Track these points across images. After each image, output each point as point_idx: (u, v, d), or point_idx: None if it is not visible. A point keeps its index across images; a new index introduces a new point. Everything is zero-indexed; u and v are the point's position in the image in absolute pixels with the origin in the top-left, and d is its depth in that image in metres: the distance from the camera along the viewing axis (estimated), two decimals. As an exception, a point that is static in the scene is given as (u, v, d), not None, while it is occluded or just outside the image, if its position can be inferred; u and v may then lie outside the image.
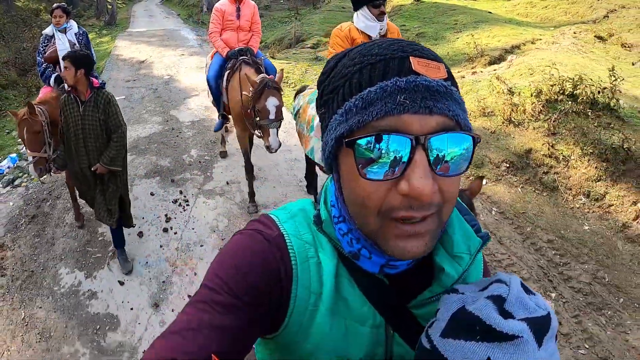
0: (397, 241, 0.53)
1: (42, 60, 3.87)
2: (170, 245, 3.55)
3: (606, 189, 3.93)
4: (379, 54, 0.54)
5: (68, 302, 3.02)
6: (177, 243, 3.57)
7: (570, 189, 4.00)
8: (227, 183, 4.37)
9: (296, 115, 3.56)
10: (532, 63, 5.57)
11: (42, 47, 3.93)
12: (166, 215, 3.89)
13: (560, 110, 4.29)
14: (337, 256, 0.64)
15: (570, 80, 4.44)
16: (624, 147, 3.89)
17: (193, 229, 3.73)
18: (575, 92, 4.35)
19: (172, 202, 4.09)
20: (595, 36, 7.52)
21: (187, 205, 4.05)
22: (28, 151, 3.24)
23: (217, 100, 4.22)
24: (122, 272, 3.24)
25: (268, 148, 3.31)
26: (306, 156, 3.68)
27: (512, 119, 4.55)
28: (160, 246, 3.52)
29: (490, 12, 10.12)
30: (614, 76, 4.24)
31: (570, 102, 4.29)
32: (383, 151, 0.50)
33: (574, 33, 7.67)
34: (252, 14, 4.32)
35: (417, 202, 0.50)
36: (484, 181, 4.14)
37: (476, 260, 0.71)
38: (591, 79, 4.42)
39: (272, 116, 3.22)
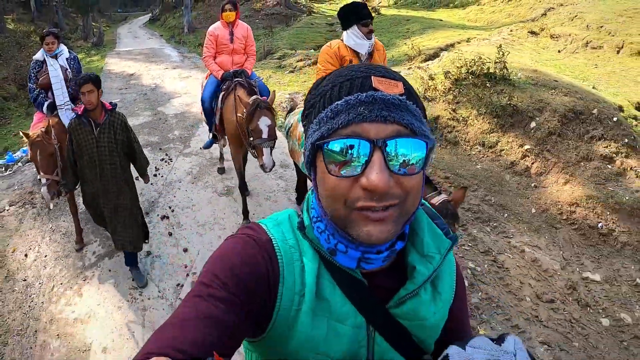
0: (363, 226, 0.62)
1: (34, 86, 3.91)
2: (158, 183, 4.92)
3: (498, 138, 5.23)
4: (348, 75, 0.66)
5: (85, 215, 4.09)
6: (162, 180, 4.97)
7: (468, 142, 5.31)
8: (201, 148, 5.61)
9: (287, 133, 3.82)
10: (457, 56, 7.00)
11: (33, 73, 3.96)
12: (155, 167, 5.22)
13: (463, 84, 5.66)
14: (319, 259, 0.72)
15: (472, 61, 5.82)
16: (511, 104, 5.22)
17: (175, 173, 5.12)
18: (473, 69, 5.71)
19: (160, 160, 5.45)
20: (528, 31, 9.01)
21: (170, 161, 5.44)
22: (41, 173, 3.31)
23: (209, 120, 4.38)
24: (138, 286, 3.41)
25: (262, 167, 3.45)
26: (298, 170, 4.06)
27: (427, 95, 5.84)
28: (151, 184, 4.75)
29: (441, 20, 11.62)
30: (501, 52, 5.61)
31: (471, 77, 5.67)
32: (346, 153, 0.60)
33: (510, 31, 9.17)
34: (246, 36, 4.46)
35: (375, 194, 0.59)
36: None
37: (448, 261, 0.80)
38: (489, 58, 5.78)
39: (264, 135, 3.37)
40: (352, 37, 3.07)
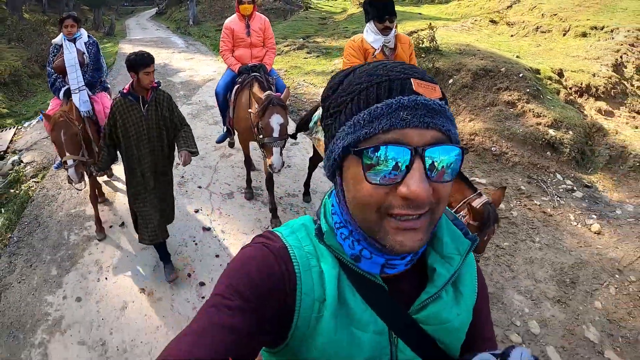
0: (395, 235, 0.62)
1: (52, 70, 3.95)
2: None
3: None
4: (384, 74, 0.64)
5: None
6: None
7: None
8: (203, 107, 7.23)
9: (315, 123, 3.70)
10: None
11: (51, 57, 4.01)
12: None
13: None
14: (338, 264, 0.73)
15: (412, 38, 7.42)
16: (434, 66, 6.77)
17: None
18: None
19: None
20: (489, 20, 10.59)
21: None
22: (67, 154, 3.28)
23: (223, 113, 4.41)
24: (167, 281, 3.37)
25: (271, 167, 3.37)
26: (312, 164, 4.19)
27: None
28: None
29: (420, 13, 13.19)
30: (432, 28, 7.29)
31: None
32: (386, 159, 0.59)
33: (475, 20, 10.79)
34: (264, 28, 4.38)
35: (414, 203, 0.60)
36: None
37: (468, 263, 0.81)
38: (424, 35, 7.44)
39: (275, 134, 3.28)
40: (369, 32, 3.14)
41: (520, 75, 6.25)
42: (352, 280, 0.72)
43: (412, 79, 0.63)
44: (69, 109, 3.48)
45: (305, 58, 10.35)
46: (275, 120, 3.28)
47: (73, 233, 4.04)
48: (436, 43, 7.21)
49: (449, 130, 0.63)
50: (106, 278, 3.48)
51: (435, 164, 0.61)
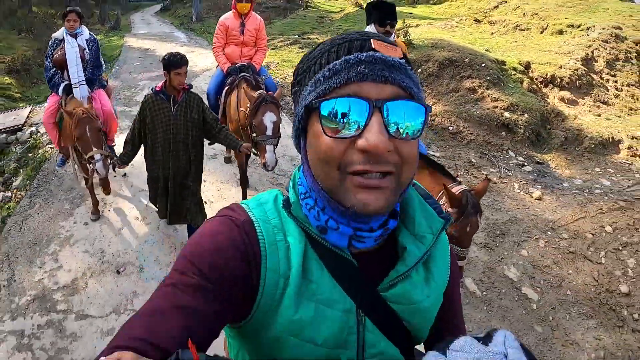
0: (358, 194, 0.61)
1: (51, 65, 4.00)
2: None
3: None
4: (346, 37, 0.68)
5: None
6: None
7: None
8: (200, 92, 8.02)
9: None
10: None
11: (50, 51, 4.04)
12: None
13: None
14: (306, 238, 0.71)
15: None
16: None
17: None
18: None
19: None
20: (473, 19, 11.37)
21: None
22: (94, 149, 3.39)
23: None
24: None
25: (264, 165, 3.41)
26: None
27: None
28: None
29: (411, 13, 13.93)
30: (406, 25, 8.08)
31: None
32: (344, 113, 0.61)
33: (460, 19, 11.60)
34: (258, 29, 4.46)
35: (373, 157, 0.60)
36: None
37: (441, 242, 0.81)
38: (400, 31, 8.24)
39: (269, 132, 3.32)
40: None
41: (483, 65, 7.04)
42: (320, 254, 0.71)
43: (371, 39, 0.65)
44: (90, 106, 3.65)
45: (297, 53, 11.12)
46: (269, 118, 3.33)
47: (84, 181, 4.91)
48: (409, 37, 8.01)
49: (411, 88, 0.64)
50: (109, 210, 4.40)
51: (396, 119, 0.61)
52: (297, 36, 13.05)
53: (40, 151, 5.72)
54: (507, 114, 6.32)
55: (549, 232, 4.68)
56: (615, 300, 4.03)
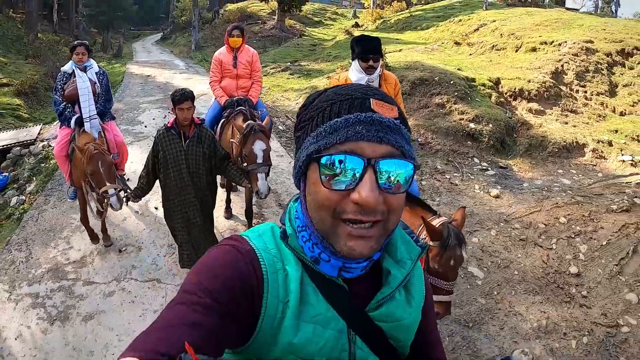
0: (347, 240, 0.71)
1: (60, 99, 4.03)
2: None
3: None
4: (347, 94, 0.75)
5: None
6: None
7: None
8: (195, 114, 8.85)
9: None
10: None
11: (60, 84, 4.07)
12: (164, 116, 8.43)
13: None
14: (302, 266, 0.80)
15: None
16: None
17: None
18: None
19: (168, 112, 8.52)
20: (454, 42, 12.33)
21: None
22: (107, 184, 3.49)
23: None
24: None
25: (257, 193, 3.49)
26: None
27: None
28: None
29: (398, 39, 14.91)
30: (385, 51, 8.84)
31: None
32: (341, 168, 0.68)
33: (442, 43, 12.57)
34: (251, 61, 4.63)
35: (365, 209, 0.68)
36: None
37: (417, 269, 0.92)
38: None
39: (259, 160, 3.42)
40: (354, 70, 3.22)
41: (452, 82, 7.84)
42: (315, 280, 0.80)
43: (371, 99, 0.74)
44: (101, 141, 3.76)
45: (287, 78, 12.03)
46: (258, 147, 3.43)
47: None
48: (386, 61, 8.85)
49: (402, 147, 0.72)
50: (116, 206, 5.16)
51: (387, 175, 0.69)
52: (288, 63, 14.01)
53: (52, 162, 6.44)
54: (472, 125, 7.07)
55: (501, 224, 5.21)
56: (564, 279, 4.49)
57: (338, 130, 0.71)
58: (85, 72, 4.12)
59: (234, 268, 0.75)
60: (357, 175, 0.68)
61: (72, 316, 3.51)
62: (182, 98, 3.26)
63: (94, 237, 4.35)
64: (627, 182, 6.50)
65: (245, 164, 3.51)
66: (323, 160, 0.70)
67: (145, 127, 8.13)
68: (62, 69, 4.24)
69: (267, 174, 3.60)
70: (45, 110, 11.28)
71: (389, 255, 0.86)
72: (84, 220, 4.26)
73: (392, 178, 0.70)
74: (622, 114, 8.78)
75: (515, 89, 8.45)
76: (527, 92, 8.43)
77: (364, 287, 0.84)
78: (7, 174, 6.74)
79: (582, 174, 6.82)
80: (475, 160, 6.72)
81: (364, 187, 0.68)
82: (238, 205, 5.13)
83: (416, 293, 0.90)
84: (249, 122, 3.64)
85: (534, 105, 8.28)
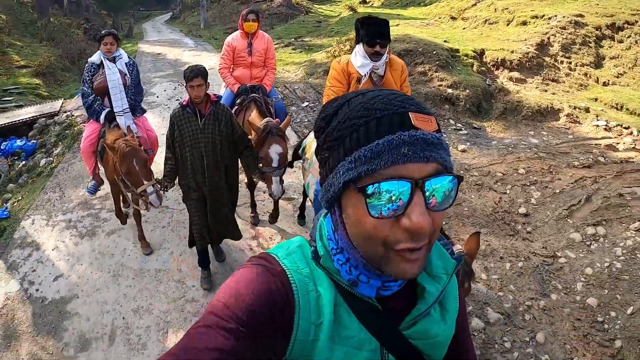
0: (400, 265, 0.69)
1: (89, 91, 3.96)
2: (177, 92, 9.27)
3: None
4: (382, 109, 0.70)
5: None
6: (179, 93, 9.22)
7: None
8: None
9: (303, 149, 3.79)
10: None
11: (88, 76, 3.98)
12: (174, 87, 9.51)
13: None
14: (335, 288, 0.79)
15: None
16: None
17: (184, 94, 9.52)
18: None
19: (177, 85, 9.76)
20: (450, 17, 13.12)
21: (181, 85, 9.78)
22: (145, 182, 3.40)
23: None
24: (202, 287, 3.85)
25: (271, 195, 3.56)
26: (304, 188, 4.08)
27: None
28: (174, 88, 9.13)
29: (399, 15, 15.71)
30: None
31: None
32: (388, 193, 0.65)
33: (438, 18, 13.38)
34: (266, 48, 4.54)
35: (417, 235, 0.66)
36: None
37: (452, 280, 0.90)
38: None
39: (275, 164, 3.40)
40: (358, 56, 3.07)
41: (434, 52, 8.72)
42: (348, 302, 0.79)
43: (410, 113, 0.69)
44: (131, 136, 3.64)
45: (290, 53, 12.93)
46: (274, 150, 3.38)
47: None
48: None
49: (446, 161, 0.70)
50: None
51: (434, 194, 0.67)
52: (292, 39, 14.93)
53: (76, 128, 7.68)
54: (450, 90, 7.98)
55: (461, 171, 5.86)
56: (512, 218, 5.12)
57: (381, 154, 0.67)
58: (115, 62, 4.05)
59: (264, 292, 0.74)
60: (405, 199, 0.66)
61: (98, 232, 4.67)
62: (192, 75, 3.22)
63: (146, 245, 4.37)
64: (596, 144, 7.22)
65: (260, 165, 3.50)
66: (369, 189, 0.66)
67: (157, 97, 9.30)
68: (89, 59, 4.13)
69: (282, 176, 3.57)
70: (62, 89, 12.41)
71: (424, 270, 0.85)
72: (119, 213, 4.45)
73: (439, 195, 0.68)
74: (605, 84, 9.49)
75: (497, 59, 9.30)
76: (509, 62, 9.28)
77: (399, 303, 0.83)
78: (34, 141, 7.92)
79: (553, 136, 7.54)
80: (451, 121, 7.64)
81: (414, 212, 0.65)
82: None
83: (450, 307, 0.89)
84: (267, 120, 3.59)
85: (515, 74, 9.12)
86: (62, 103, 9.28)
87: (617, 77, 9.78)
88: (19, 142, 7.79)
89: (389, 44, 3.04)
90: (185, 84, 3.32)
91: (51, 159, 6.93)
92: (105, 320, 3.58)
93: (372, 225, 0.68)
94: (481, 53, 9.53)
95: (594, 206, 5.29)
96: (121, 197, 4.32)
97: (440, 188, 0.68)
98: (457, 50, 9.27)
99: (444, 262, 0.87)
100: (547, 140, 7.38)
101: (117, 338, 3.43)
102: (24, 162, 7.20)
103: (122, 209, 4.53)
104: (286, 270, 0.79)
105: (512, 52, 9.52)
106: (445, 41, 9.82)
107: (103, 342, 3.41)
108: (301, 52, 12.98)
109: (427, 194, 0.67)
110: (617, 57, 10.27)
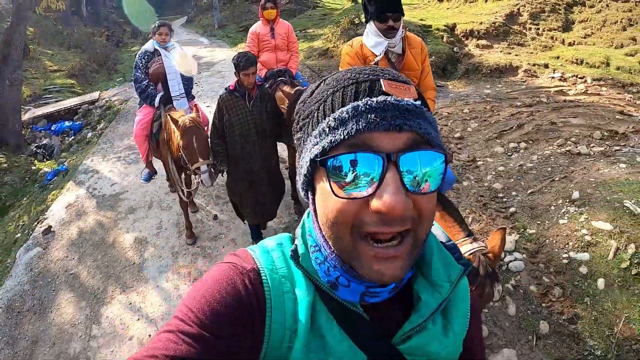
0: (373, 263, 0.62)
1: (143, 76, 4.40)
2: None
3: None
4: (352, 77, 0.67)
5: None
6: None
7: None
8: (216, 71, 12.34)
9: None
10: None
11: (142, 62, 4.42)
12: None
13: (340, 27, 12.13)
14: (314, 291, 0.74)
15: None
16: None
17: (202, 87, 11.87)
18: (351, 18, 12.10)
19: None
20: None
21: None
22: (200, 160, 3.61)
23: None
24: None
25: None
26: None
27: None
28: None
29: None
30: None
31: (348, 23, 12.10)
32: (355, 169, 0.60)
33: (427, 1, 15.52)
34: (287, 33, 5.03)
35: (390, 218, 0.59)
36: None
37: (460, 289, 0.82)
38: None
39: None
40: (370, 35, 2.90)
41: (407, 28, 10.84)
42: (330, 308, 0.74)
43: (381, 80, 0.66)
44: (197, 114, 3.78)
45: (294, 44, 15.37)
46: None
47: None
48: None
49: (429, 133, 0.63)
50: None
51: (414, 171, 0.60)
52: (297, 32, 17.14)
53: (115, 108, 10.23)
54: (417, 56, 10.11)
55: None
56: (447, 140, 6.33)
57: (345, 123, 0.63)
58: (169, 52, 4.51)
59: (228, 291, 0.71)
60: (376, 176, 0.60)
61: (139, 161, 6.87)
62: (247, 64, 3.55)
63: (190, 234, 4.78)
64: (546, 91, 8.51)
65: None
66: (329, 163, 0.62)
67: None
68: (143, 47, 4.58)
69: None
70: (93, 87, 14.94)
71: (422, 276, 0.78)
72: (183, 203, 4.63)
73: (421, 175, 0.62)
74: (570, 44, 11.21)
75: (467, 30, 11.36)
76: (477, 32, 11.32)
77: (391, 313, 0.78)
78: (80, 121, 10.47)
79: (507, 87, 8.99)
80: (414, 83, 9.69)
81: (386, 191, 0.59)
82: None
83: (457, 321, 0.80)
84: (297, 87, 3.98)
85: (483, 42, 11.14)
86: (100, 93, 11.85)
87: (585, 37, 11.48)
88: (67, 123, 10.30)
89: (403, 17, 2.85)
90: (237, 72, 3.65)
91: (96, 132, 9.29)
92: (146, 199, 5.84)
93: (337, 207, 0.63)
94: (453, 27, 11.59)
95: (525, 131, 6.51)
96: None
97: (422, 165, 0.62)
98: (430, 26, 11.35)
99: (447, 269, 0.79)
100: (499, 90, 8.87)
101: (154, 205, 5.70)
102: (73, 137, 9.61)
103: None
104: (260, 269, 0.76)
105: (481, 23, 11.54)
106: (421, 19, 11.92)
107: (144, 208, 5.65)
108: (304, 41, 15.21)
109: (404, 171, 0.61)
110: (587, 20, 11.99)
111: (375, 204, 0.60)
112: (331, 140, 0.64)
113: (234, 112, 3.68)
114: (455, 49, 10.70)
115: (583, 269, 3.73)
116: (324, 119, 0.67)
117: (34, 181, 7.59)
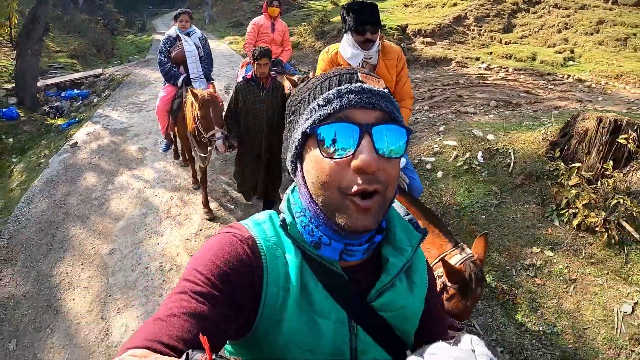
0: (353, 214, 0.83)
1: (166, 60, 5.01)
2: None
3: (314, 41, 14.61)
4: (335, 72, 0.92)
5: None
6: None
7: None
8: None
9: None
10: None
11: (165, 47, 5.03)
12: None
13: (312, 27, 15.13)
14: (301, 255, 0.93)
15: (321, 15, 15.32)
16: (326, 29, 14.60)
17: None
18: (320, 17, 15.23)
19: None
20: (404, 5, 18.20)
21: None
22: (215, 128, 4.18)
23: None
24: None
25: None
26: None
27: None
28: None
29: None
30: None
31: (319, 24, 15.17)
32: (338, 137, 0.82)
33: (396, 6, 18.40)
34: (284, 31, 5.80)
35: (367, 174, 0.80)
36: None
37: (419, 256, 1.07)
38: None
39: None
40: (347, 46, 3.04)
41: (384, 39, 13.68)
42: (314, 269, 0.92)
43: (359, 73, 0.90)
44: (214, 90, 4.41)
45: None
46: None
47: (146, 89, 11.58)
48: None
49: (394, 113, 0.87)
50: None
51: (382, 139, 0.83)
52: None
53: (118, 80, 12.79)
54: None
55: None
56: None
57: (331, 102, 0.85)
58: (190, 37, 5.04)
59: (232, 255, 0.88)
60: (354, 142, 0.81)
61: (143, 111, 9.58)
62: (260, 55, 3.99)
63: (209, 210, 5.23)
64: (468, 77, 10.33)
65: None
66: (320, 130, 0.83)
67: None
68: (167, 33, 5.18)
69: None
70: (93, 67, 17.56)
71: (388, 243, 1.00)
72: (193, 173, 5.50)
73: (387, 143, 0.83)
74: (506, 43, 13.77)
75: (416, 29, 14.24)
76: (424, 31, 14.17)
77: (364, 275, 0.97)
78: (87, 90, 13.16)
79: (437, 74, 10.84)
80: (366, 70, 12.51)
81: (363, 152, 0.80)
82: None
83: (418, 280, 1.04)
84: (298, 76, 4.48)
85: (428, 39, 13.98)
86: (102, 70, 14.61)
87: (522, 38, 14.05)
88: (75, 91, 12.89)
89: (380, 29, 2.99)
90: (252, 62, 4.15)
91: (102, 97, 11.82)
92: (147, 129, 8.51)
93: (327, 168, 0.83)
94: (405, 27, 14.51)
95: (434, 100, 8.36)
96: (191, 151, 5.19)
97: (389, 136, 0.84)
98: (384, 26, 14.25)
99: (408, 236, 1.02)
100: (429, 75, 10.67)
101: (152, 133, 8.12)
102: (80, 102, 12.12)
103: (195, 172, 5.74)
104: (254, 237, 0.93)
105: (429, 24, 14.45)
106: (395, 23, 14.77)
107: (145, 134, 8.23)
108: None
109: (375, 139, 0.82)
110: (527, 25, 14.55)
111: (354, 162, 0.81)
112: (320, 115, 0.86)
113: (248, 98, 4.27)
114: (402, 44, 13.57)
115: (428, 166, 5.54)
116: (314, 100, 0.89)
117: (48, 131, 9.98)
